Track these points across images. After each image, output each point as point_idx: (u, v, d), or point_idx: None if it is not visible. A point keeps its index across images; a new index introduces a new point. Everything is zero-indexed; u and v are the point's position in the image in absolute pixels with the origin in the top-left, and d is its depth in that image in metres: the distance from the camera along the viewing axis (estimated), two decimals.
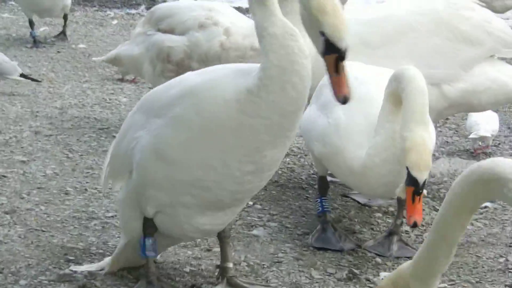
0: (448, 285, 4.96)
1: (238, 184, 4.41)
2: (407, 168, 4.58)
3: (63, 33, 11.91)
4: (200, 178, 4.34)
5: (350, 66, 5.31)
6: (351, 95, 4.03)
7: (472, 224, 5.69)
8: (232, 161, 4.28)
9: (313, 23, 3.96)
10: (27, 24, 11.85)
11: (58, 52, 11.27)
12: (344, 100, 4.02)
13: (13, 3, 13.60)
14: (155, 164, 4.38)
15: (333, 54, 3.97)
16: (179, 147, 4.30)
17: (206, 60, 7.05)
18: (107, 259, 4.96)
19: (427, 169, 4.58)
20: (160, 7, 7.73)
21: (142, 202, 4.57)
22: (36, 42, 11.49)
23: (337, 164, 5.10)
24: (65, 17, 11.92)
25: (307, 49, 4.15)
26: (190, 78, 4.44)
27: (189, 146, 4.27)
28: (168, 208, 4.49)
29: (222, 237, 4.70)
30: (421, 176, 4.55)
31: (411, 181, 4.57)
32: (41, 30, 12.41)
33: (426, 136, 4.65)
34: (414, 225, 4.63)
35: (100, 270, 4.93)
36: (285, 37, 4.12)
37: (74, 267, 4.94)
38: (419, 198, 4.65)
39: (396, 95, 4.86)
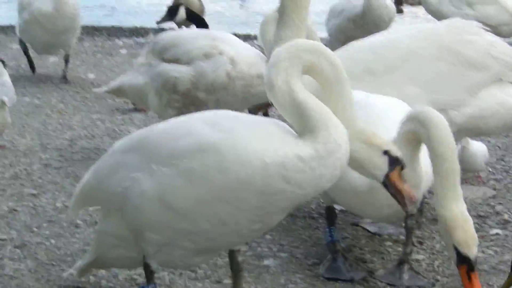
0: None
1: (241, 237, 4.47)
2: (455, 247, 4.56)
3: (64, 77, 11.48)
4: (206, 229, 4.32)
5: (358, 96, 5.35)
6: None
7: (483, 252, 5.68)
8: (244, 220, 4.27)
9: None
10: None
11: (67, 83, 11.30)
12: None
13: None
14: (158, 211, 4.34)
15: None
16: (190, 200, 4.24)
17: (213, 89, 7.07)
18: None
19: (475, 243, 4.56)
20: (163, 37, 7.71)
21: (142, 244, 4.55)
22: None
23: (342, 188, 5.00)
24: (66, 59, 11.51)
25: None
26: (202, 130, 4.29)
27: (202, 201, 4.22)
28: (165, 247, 4.47)
29: (235, 270, 4.66)
30: (472, 253, 4.53)
31: (462, 259, 4.55)
32: (51, 61, 12.37)
33: (464, 209, 4.62)
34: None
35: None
36: (335, 117, 4.22)
37: None
38: (475, 275, 4.58)
39: (414, 136, 4.80)
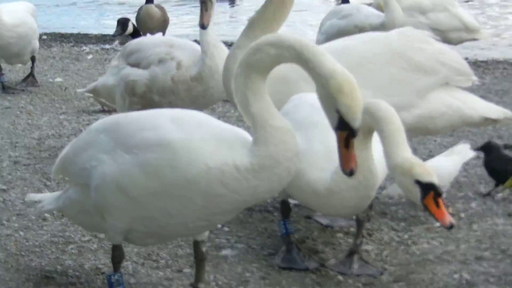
0: None
1: (188, 230, 4.53)
2: (418, 182, 4.55)
3: (31, 75, 11.42)
4: (155, 218, 4.39)
5: (306, 95, 5.41)
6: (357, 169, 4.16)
7: (428, 243, 5.73)
8: (190, 216, 4.34)
9: (329, 100, 4.05)
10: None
11: (37, 86, 11.25)
12: (350, 173, 4.13)
13: None
14: (114, 194, 4.40)
15: (345, 131, 4.06)
16: (143, 189, 4.29)
17: (163, 93, 7.10)
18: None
19: (433, 175, 4.59)
20: (131, 43, 7.77)
21: (106, 228, 4.64)
22: (5, 88, 11.04)
23: (300, 187, 5.04)
24: (33, 59, 11.39)
25: (299, 147, 4.27)
26: (166, 126, 4.34)
27: (154, 192, 4.28)
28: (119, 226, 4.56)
29: (198, 259, 4.72)
30: (440, 188, 4.61)
31: (427, 188, 4.56)
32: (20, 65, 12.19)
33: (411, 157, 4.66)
34: (451, 227, 4.52)
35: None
36: (286, 133, 4.17)
37: None
38: (441, 200, 4.62)
39: (367, 127, 4.87)
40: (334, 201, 4.95)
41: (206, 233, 4.68)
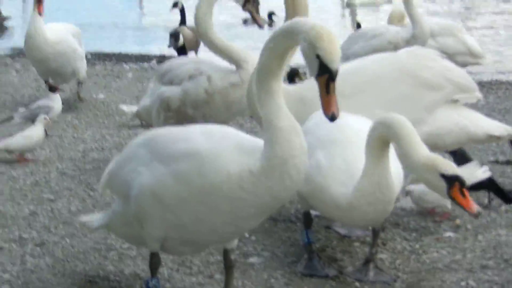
0: None
1: (218, 236, 4.50)
2: (442, 175, 4.55)
3: (78, 97, 11.20)
4: (187, 224, 4.39)
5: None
6: (339, 114, 4.01)
7: (437, 252, 5.70)
8: (219, 221, 4.33)
9: (311, 49, 3.97)
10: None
11: (82, 101, 11.27)
12: (332, 118, 4.00)
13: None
14: (151, 202, 4.42)
15: (325, 75, 3.97)
16: (175, 197, 4.32)
17: (197, 106, 7.09)
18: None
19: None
20: (163, 64, 7.75)
21: (144, 236, 4.63)
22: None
23: (323, 200, 5.03)
24: (78, 83, 11.20)
25: (306, 144, 4.20)
26: (197, 138, 4.37)
27: (185, 199, 4.29)
28: (156, 233, 4.56)
29: (228, 266, 4.69)
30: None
31: (451, 179, 4.56)
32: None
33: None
34: (478, 214, 4.50)
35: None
36: (290, 132, 4.13)
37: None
38: (466, 191, 4.59)
39: (383, 140, 4.82)
40: (355, 214, 4.93)
41: (235, 242, 4.65)
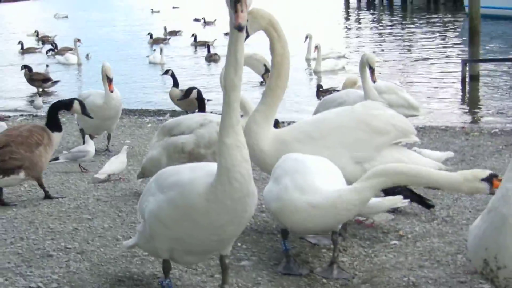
0: None
1: (207, 245, 4.50)
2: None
3: (107, 149, 11.04)
4: (182, 238, 4.42)
5: (291, 154, 5.50)
6: (244, 24, 3.80)
7: (385, 256, 5.71)
8: (204, 233, 4.33)
9: None
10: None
11: (112, 145, 11.27)
12: (239, 28, 3.81)
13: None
14: (156, 223, 4.46)
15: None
16: (169, 218, 4.35)
17: (209, 146, 7.07)
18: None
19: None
20: (168, 123, 7.54)
21: (156, 250, 4.67)
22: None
23: (289, 211, 5.02)
24: (108, 137, 11.19)
25: (247, 156, 4.11)
26: (184, 172, 4.39)
27: (175, 218, 4.32)
28: (164, 247, 4.58)
29: (223, 268, 4.68)
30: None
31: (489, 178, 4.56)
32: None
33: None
34: None
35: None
36: (232, 147, 4.06)
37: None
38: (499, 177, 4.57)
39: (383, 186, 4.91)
40: (315, 217, 4.97)
41: (229, 249, 4.63)
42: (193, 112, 12.15)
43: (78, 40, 27.02)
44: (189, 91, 9.89)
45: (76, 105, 7.91)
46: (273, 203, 5.16)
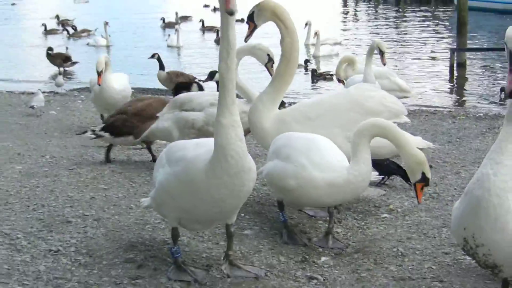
0: (361, 263, 4.97)
1: (210, 216, 4.48)
2: (423, 173, 4.76)
3: None
4: (187, 208, 4.40)
5: (285, 134, 5.49)
6: (236, 9, 3.78)
7: (377, 228, 5.71)
8: (206, 205, 4.30)
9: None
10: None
11: None
12: (230, 13, 3.79)
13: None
14: (164, 194, 4.46)
15: None
16: (174, 189, 4.34)
17: None
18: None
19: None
20: (179, 97, 7.52)
21: (165, 216, 4.68)
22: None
23: (311, 186, 4.99)
24: None
25: (241, 134, 4.10)
26: (189, 148, 4.37)
27: (180, 191, 4.31)
28: (173, 215, 4.57)
29: (228, 236, 4.69)
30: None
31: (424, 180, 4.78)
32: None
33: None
34: (419, 203, 4.79)
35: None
36: (227, 126, 4.05)
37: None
38: (423, 189, 4.87)
39: (371, 136, 5.01)
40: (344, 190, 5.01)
41: (233, 219, 4.62)
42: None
43: (107, 23, 26.83)
44: (211, 74, 9.82)
45: (194, 87, 9.17)
46: (290, 181, 5.04)
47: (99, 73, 9.96)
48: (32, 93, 13.75)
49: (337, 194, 5.00)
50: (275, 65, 6.46)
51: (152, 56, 15.10)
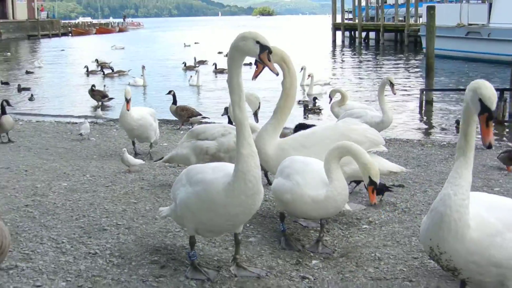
0: (345, 266, 4.95)
1: (224, 228, 4.47)
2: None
3: (149, 154, 10.41)
4: (206, 222, 4.39)
5: (290, 157, 5.43)
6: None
7: (358, 236, 5.67)
8: (221, 220, 4.30)
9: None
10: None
11: (152, 158, 11.17)
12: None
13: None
14: (185, 209, 4.44)
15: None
16: (195, 207, 4.32)
17: (227, 151, 7.11)
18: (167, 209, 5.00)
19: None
20: (197, 128, 7.54)
21: (184, 226, 4.65)
22: (136, 154, 10.32)
23: (301, 201, 5.00)
24: (150, 146, 10.59)
25: (258, 162, 4.11)
26: (208, 171, 4.36)
27: (200, 208, 4.30)
28: (191, 227, 4.54)
29: (236, 243, 4.72)
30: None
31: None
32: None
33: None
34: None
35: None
36: (247, 156, 4.07)
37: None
38: (375, 192, 4.74)
39: (340, 156, 4.97)
40: (328, 206, 4.97)
41: (241, 228, 4.64)
42: (186, 121, 12.22)
43: (144, 67, 26.76)
44: (226, 109, 9.82)
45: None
46: (287, 195, 5.08)
47: (128, 100, 9.90)
48: (79, 122, 13.80)
49: (320, 209, 5.00)
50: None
51: (169, 93, 15.05)
